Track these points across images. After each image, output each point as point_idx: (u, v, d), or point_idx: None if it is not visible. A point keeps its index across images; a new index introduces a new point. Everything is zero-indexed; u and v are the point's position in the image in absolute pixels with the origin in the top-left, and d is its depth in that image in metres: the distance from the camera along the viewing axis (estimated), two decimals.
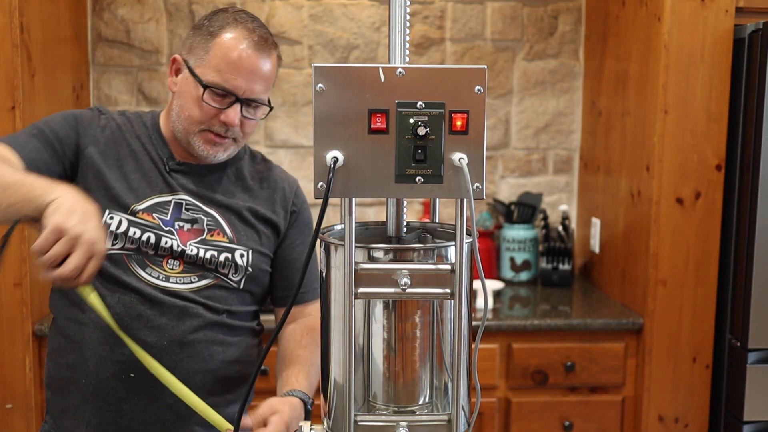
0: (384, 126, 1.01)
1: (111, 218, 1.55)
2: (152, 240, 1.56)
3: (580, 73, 3.08)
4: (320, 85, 1.01)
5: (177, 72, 1.61)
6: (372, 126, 1.01)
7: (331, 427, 1.12)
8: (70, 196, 1.29)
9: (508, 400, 2.55)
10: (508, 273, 3.02)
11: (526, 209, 3.03)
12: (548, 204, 3.14)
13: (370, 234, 1.20)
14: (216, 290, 1.60)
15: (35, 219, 1.30)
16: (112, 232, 1.54)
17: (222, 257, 1.60)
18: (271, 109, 1.63)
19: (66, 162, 1.57)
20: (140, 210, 1.57)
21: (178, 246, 1.57)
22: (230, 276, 1.62)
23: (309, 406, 1.60)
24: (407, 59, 1.10)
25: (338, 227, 1.17)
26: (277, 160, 3.00)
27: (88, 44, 2.92)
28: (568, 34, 3.06)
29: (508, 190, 3.12)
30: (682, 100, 2.37)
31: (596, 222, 2.93)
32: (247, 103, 1.57)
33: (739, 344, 2.36)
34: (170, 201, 1.60)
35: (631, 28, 2.61)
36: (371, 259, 1.07)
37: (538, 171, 3.12)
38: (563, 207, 3.05)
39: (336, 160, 1.00)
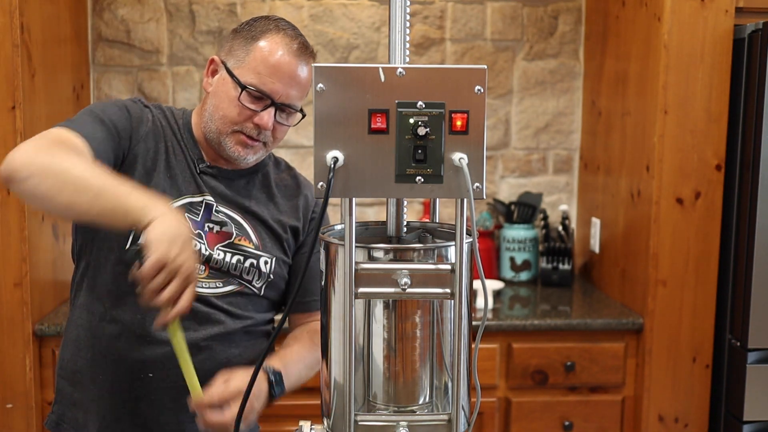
0: (384, 126, 1.01)
1: None
2: None
3: (580, 73, 3.08)
4: (320, 85, 1.01)
5: (213, 73, 1.62)
6: (372, 126, 1.01)
7: (331, 427, 1.12)
8: (169, 218, 1.28)
9: (508, 400, 2.55)
10: (508, 273, 3.02)
11: (526, 209, 3.03)
12: (548, 204, 3.14)
13: (370, 234, 1.20)
14: (239, 297, 1.61)
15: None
16: None
17: (247, 263, 1.61)
18: (304, 116, 1.63)
19: (120, 154, 1.56)
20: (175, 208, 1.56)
21: (206, 250, 1.57)
22: (254, 283, 1.63)
23: (271, 377, 1.57)
24: (407, 59, 1.10)
25: (338, 227, 1.17)
26: None
27: (89, 44, 2.92)
28: (568, 34, 3.06)
29: (508, 190, 3.12)
30: (682, 100, 2.37)
31: (596, 222, 2.94)
32: (282, 108, 1.58)
33: (739, 344, 2.36)
34: (201, 201, 1.60)
35: (631, 28, 2.61)
36: (371, 259, 1.07)
37: (538, 171, 3.12)
38: (563, 207, 3.05)
39: (336, 160, 1.00)
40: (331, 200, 1.01)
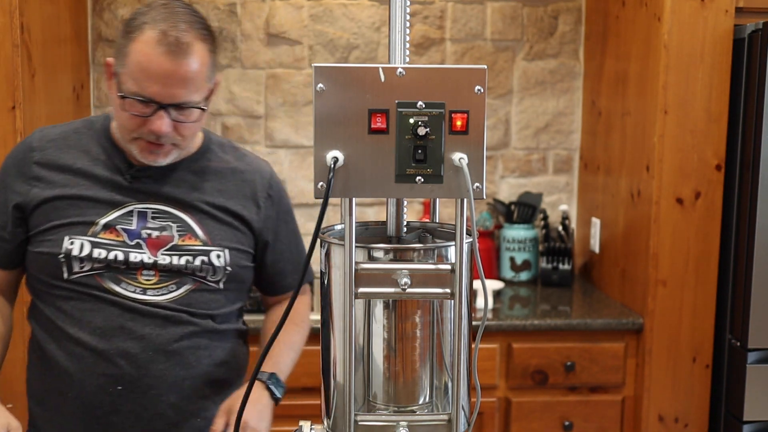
0: (384, 126, 1.01)
1: (71, 243, 1.51)
2: (120, 257, 1.52)
3: (580, 73, 3.08)
4: (320, 85, 1.01)
5: (110, 77, 1.52)
6: (372, 126, 1.01)
7: (331, 427, 1.12)
8: None
9: (508, 400, 2.55)
10: (508, 273, 3.02)
11: (526, 209, 3.03)
12: (548, 204, 3.14)
13: (370, 234, 1.20)
14: (197, 295, 1.56)
15: None
16: (76, 256, 1.50)
17: (197, 261, 1.55)
18: (204, 110, 1.51)
19: (17, 230, 1.56)
20: (101, 229, 1.52)
21: (149, 258, 1.53)
22: (209, 279, 1.57)
23: (270, 382, 1.60)
24: (407, 59, 1.10)
25: (338, 227, 1.17)
26: (277, 160, 3.00)
27: (89, 44, 2.92)
28: (568, 34, 3.06)
29: (508, 190, 3.12)
30: (682, 100, 2.37)
31: (596, 222, 2.94)
32: (175, 107, 1.46)
33: (739, 344, 2.36)
34: (132, 211, 1.54)
35: (631, 28, 2.61)
36: (371, 259, 1.07)
37: (538, 171, 3.12)
38: (563, 207, 3.05)
39: (336, 160, 1.00)
40: (331, 200, 1.01)
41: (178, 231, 1.56)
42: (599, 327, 2.52)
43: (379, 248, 1.08)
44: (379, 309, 1.08)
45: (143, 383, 1.52)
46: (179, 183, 1.58)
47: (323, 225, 1.07)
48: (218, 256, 1.57)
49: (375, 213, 3.05)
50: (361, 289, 1.04)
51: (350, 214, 1.02)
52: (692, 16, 2.34)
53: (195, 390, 1.58)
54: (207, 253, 1.57)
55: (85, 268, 1.52)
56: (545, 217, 3.04)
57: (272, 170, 1.72)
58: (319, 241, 1.09)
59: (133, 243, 1.53)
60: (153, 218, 1.55)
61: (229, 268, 1.59)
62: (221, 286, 1.59)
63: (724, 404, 2.45)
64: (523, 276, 3.02)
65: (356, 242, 1.03)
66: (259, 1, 2.93)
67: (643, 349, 2.50)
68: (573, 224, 3.15)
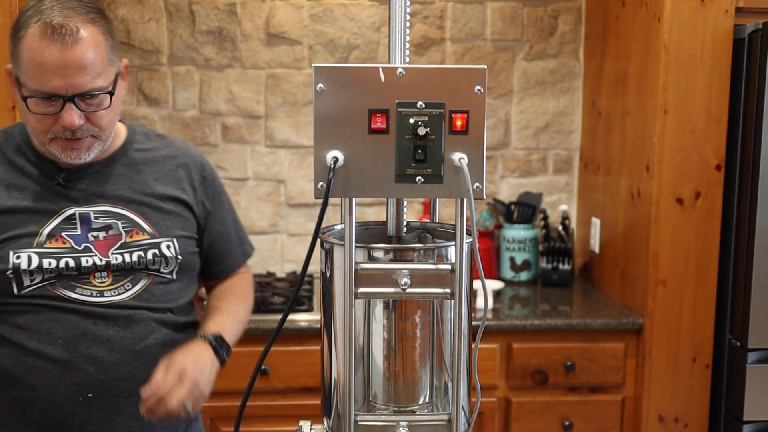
0: (384, 126, 1.01)
1: (18, 258, 1.47)
2: (71, 264, 1.49)
3: (580, 73, 3.08)
4: (320, 85, 1.01)
5: (13, 83, 1.47)
6: (372, 126, 1.01)
7: (331, 427, 1.12)
8: None
9: (508, 400, 2.55)
10: (508, 273, 3.02)
11: (526, 209, 3.03)
12: (548, 204, 3.14)
13: (370, 234, 1.20)
14: (153, 289, 1.55)
15: None
16: (25, 270, 1.46)
17: (149, 255, 1.54)
18: (112, 94, 1.46)
19: None
20: (46, 238, 1.49)
21: (101, 260, 1.50)
22: (162, 271, 1.56)
23: (214, 341, 1.56)
24: (407, 59, 1.10)
25: (338, 227, 1.17)
26: (277, 160, 3.00)
27: None
28: (568, 34, 3.06)
29: (508, 190, 3.12)
30: (682, 100, 2.37)
31: (596, 222, 2.94)
32: (81, 97, 1.41)
33: (739, 344, 2.36)
34: (74, 215, 1.51)
35: (631, 28, 2.61)
36: (371, 259, 1.07)
37: (538, 171, 3.12)
38: (563, 207, 3.05)
39: (336, 160, 1.00)
40: (331, 200, 1.01)
41: (123, 228, 1.53)
42: (599, 327, 2.52)
43: (379, 248, 1.08)
44: (379, 309, 1.08)
45: (113, 387, 1.50)
46: (114, 179, 1.55)
47: (323, 225, 1.07)
48: (168, 247, 1.56)
49: (375, 213, 3.05)
50: (361, 289, 1.04)
51: (350, 214, 1.02)
52: (692, 16, 2.34)
53: None
54: (157, 245, 1.55)
55: (36, 281, 1.47)
56: (545, 217, 3.04)
57: (201, 153, 1.72)
58: (319, 241, 1.09)
59: (81, 248, 1.50)
60: (96, 219, 1.52)
61: (180, 257, 1.58)
62: (174, 276, 1.58)
63: (724, 404, 2.45)
64: (523, 276, 3.02)
65: (356, 242, 1.03)
66: (259, 1, 2.93)
67: (643, 349, 2.50)
68: (573, 224, 3.15)
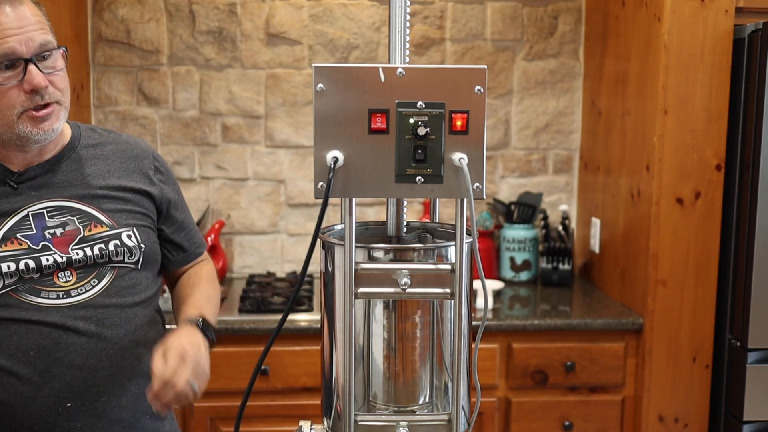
0: (384, 126, 1.01)
1: None
2: (31, 265, 1.45)
3: (580, 73, 3.08)
4: (320, 85, 1.01)
5: None
6: (372, 126, 1.01)
7: (331, 427, 1.12)
8: None
9: (508, 400, 2.55)
10: (508, 273, 3.02)
11: (526, 209, 3.03)
12: (548, 204, 3.14)
13: (370, 234, 1.20)
14: (119, 281, 1.52)
15: None
16: None
17: (111, 246, 1.51)
18: (65, 49, 1.47)
19: None
20: (0, 242, 1.44)
21: (61, 257, 1.47)
22: (127, 261, 1.53)
23: (199, 323, 1.53)
24: (407, 59, 1.10)
25: (338, 227, 1.17)
26: (277, 160, 3.00)
27: (89, 44, 2.92)
28: (568, 34, 3.06)
29: (508, 190, 3.12)
30: (682, 100, 2.37)
31: (596, 222, 2.94)
32: (39, 59, 1.41)
33: (739, 344, 2.36)
34: (27, 215, 1.47)
35: (631, 28, 2.61)
36: (371, 259, 1.07)
37: (538, 171, 3.12)
38: (563, 207, 3.05)
39: (336, 160, 1.00)
40: (331, 200, 1.01)
41: (80, 223, 1.50)
42: (599, 327, 2.52)
43: (379, 248, 1.08)
44: (379, 309, 1.08)
45: (92, 393, 1.47)
46: (66, 174, 1.53)
47: (323, 225, 1.07)
48: (129, 237, 1.54)
49: (375, 213, 3.05)
50: (361, 289, 1.04)
51: (350, 214, 1.02)
52: (692, 16, 2.34)
53: (140, 387, 1.52)
54: (117, 236, 1.52)
55: None
56: (545, 217, 3.04)
57: (149, 143, 1.71)
58: (319, 241, 1.09)
59: (39, 247, 1.46)
60: (50, 217, 1.49)
61: (143, 245, 1.55)
62: (139, 266, 1.55)
63: (724, 404, 2.45)
64: (523, 276, 3.02)
65: (356, 242, 1.03)
66: (259, 1, 2.93)
67: (643, 349, 2.50)
68: (573, 224, 3.15)
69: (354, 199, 1.02)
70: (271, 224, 3.04)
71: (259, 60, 2.96)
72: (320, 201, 1.01)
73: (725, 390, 2.44)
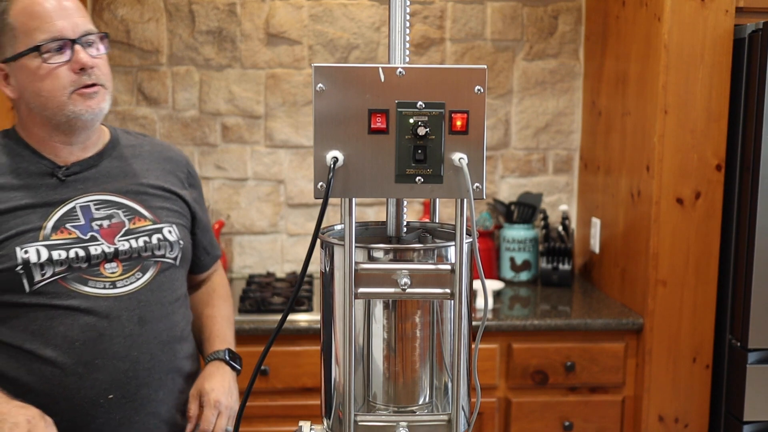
0: (384, 126, 1.01)
1: (26, 252, 1.46)
2: (81, 254, 1.50)
3: (580, 73, 3.08)
4: (320, 85, 1.01)
5: (6, 77, 1.54)
6: (372, 126, 1.01)
7: (331, 427, 1.12)
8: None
9: (508, 400, 2.55)
10: (508, 273, 3.02)
11: (526, 209, 3.03)
12: (548, 204, 3.14)
13: (370, 234, 1.20)
14: (162, 277, 1.58)
15: None
16: (35, 264, 1.46)
17: (154, 239, 1.58)
18: (107, 35, 1.58)
19: None
20: (51, 231, 1.50)
21: (109, 247, 1.52)
22: (167, 255, 1.59)
23: (227, 357, 1.66)
24: (407, 59, 1.10)
25: (338, 227, 1.17)
26: (277, 160, 3.00)
27: None
28: (568, 34, 3.06)
29: (508, 190, 3.12)
30: (682, 100, 2.37)
31: (596, 222, 2.94)
32: (84, 43, 1.51)
33: (739, 344, 2.36)
34: (74, 207, 1.53)
35: (631, 28, 2.61)
36: (371, 259, 1.07)
37: (538, 171, 3.12)
38: (563, 207, 3.05)
39: (336, 160, 1.00)
40: (331, 200, 1.01)
41: (125, 216, 1.57)
42: (599, 327, 2.52)
43: (379, 248, 1.08)
44: (379, 309, 1.08)
45: (133, 385, 1.50)
46: (110, 171, 1.60)
47: (323, 225, 1.07)
48: (170, 232, 1.61)
49: (375, 213, 3.05)
50: (361, 289, 1.04)
51: (350, 214, 1.02)
52: (692, 16, 2.34)
53: (175, 383, 1.58)
54: (159, 230, 1.59)
55: (47, 275, 1.47)
56: (545, 217, 3.04)
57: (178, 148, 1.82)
58: (319, 241, 1.08)
59: (87, 237, 1.51)
60: (97, 209, 1.55)
61: (181, 242, 1.63)
62: (178, 263, 1.62)
63: (724, 404, 2.45)
64: (523, 276, 3.02)
65: (356, 242, 1.03)
66: (259, 1, 2.93)
67: (643, 349, 2.50)
68: (573, 224, 3.15)
69: (354, 199, 1.02)
70: (271, 224, 3.04)
71: (258, 60, 2.96)
72: (320, 201, 1.01)
73: (725, 390, 2.44)
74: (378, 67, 1.00)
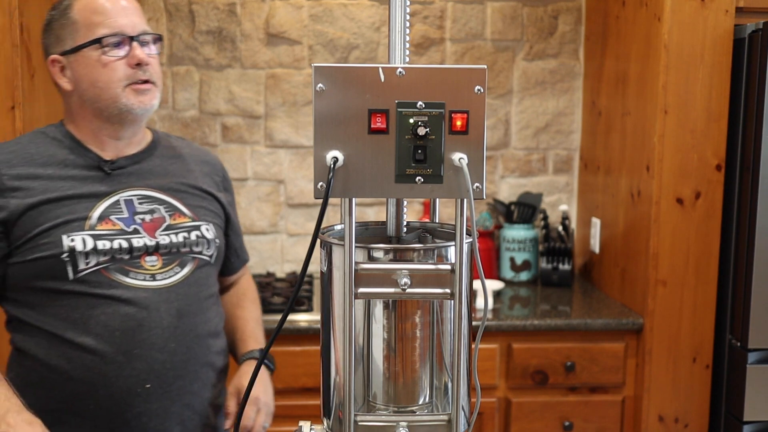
0: (384, 126, 1.01)
1: (72, 240, 1.50)
2: (124, 245, 1.54)
3: (580, 73, 3.08)
4: (320, 85, 1.01)
5: (62, 69, 1.60)
6: (372, 126, 1.01)
7: (331, 427, 1.12)
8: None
9: (508, 400, 2.55)
10: (508, 273, 3.02)
11: (526, 209, 3.03)
12: (548, 204, 3.14)
13: (370, 234, 1.20)
14: (199, 272, 1.62)
15: None
16: (81, 252, 1.50)
17: (193, 236, 1.62)
18: (161, 37, 1.65)
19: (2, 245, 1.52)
20: (96, 221, 1.53)
21: (150, 240, 1.57)
22: (204, 252, 1.64)
23: (263, 359, 1.69)
24: (407, 59, 1.10)
25: (338, 227, 1.17)
26: (277, 160, 3.00)
27: None
28: (568, 34, 3.06)
29: (508, 190, 3.12)
30: (682, 100, 2.37)
31: (596, 222, 2.93)
32: (140, 42, 1.58)
33: (739, 344, 2.36)
34: (118, 200, 1.57)
35: (631, 28, 2.61)
36: (371, 259, 1.07)
37: (538, 171, 3.12)
38: (563, 207, 3.05)
39: (336, 160, 1.00)
40: (331, 200, 1.01)
41: (166, 211, 1.62)
42: (599, 327, 2.52)
43: (379, 248, 1.08)
44: (379, 309, 1.08)
45: (170, 376, 1.53)
46: (153, 168, 1.65)
47: (323, 225, 1.07)
48: (207, 230, 1.66)
49: (375, 213, 3.05)
50: (361, 289, 1.04)
51: (350, 214, 1.02)
52: (692, 16, 2.34)
53: (208, 377, 1.63)
54: (197, 227, 1.64)
55: (91, 264, 1.51)
56: (545, 217, 3.04)
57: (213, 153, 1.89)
58: (319, 241, 1.08)
59: (130, 229, 1.56)
60: (140, 203, 1.60)
61: (218, 240, 1.68)
62: (213, 261, 1.67)
63: (724, 404, 2.45)
64: (523, 276, 3.02)
65: (356, 242, 1.03)
66: (259, 1, 2.93)
67: (643, 349, 2.50)
68: (573, 224, 3.15)
69: (354, 199, 1.02)
70: (271, 224, 3.04)
71: (258, 60, 2.96)
72: (320, 201, 1.01)
73: (725, 390, 2.44)
74: (378, 67, 1.00)
